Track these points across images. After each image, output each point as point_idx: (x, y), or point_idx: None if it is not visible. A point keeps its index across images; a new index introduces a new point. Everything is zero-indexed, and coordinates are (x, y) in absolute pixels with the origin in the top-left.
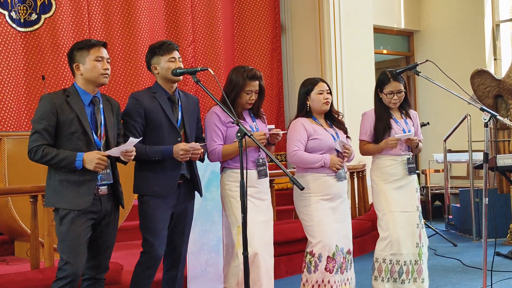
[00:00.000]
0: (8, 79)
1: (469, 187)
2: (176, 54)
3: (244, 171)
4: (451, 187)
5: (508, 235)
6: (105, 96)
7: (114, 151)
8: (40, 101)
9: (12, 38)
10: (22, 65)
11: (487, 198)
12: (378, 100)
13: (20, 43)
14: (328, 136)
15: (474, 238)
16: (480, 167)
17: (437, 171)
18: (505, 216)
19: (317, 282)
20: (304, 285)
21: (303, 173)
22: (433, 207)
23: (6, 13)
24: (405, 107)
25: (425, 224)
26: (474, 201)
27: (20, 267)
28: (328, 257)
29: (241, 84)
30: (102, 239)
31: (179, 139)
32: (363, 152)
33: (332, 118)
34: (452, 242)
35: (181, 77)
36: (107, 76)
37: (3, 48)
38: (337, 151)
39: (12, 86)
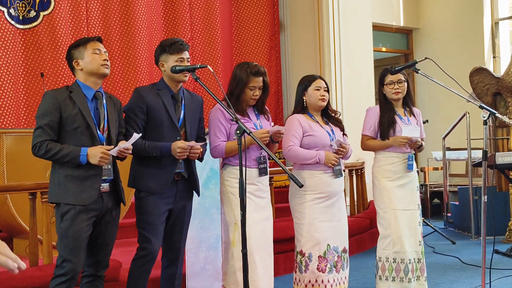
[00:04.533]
0: (7, 76)
1: (468, 185)
2: (185, 54)
3: (244, 168)
4: (450, 185)
5: (507, 233)
6: (107, 94)
7: (115, 151)
8: (44, 97)
9: (11, 35)
10: (21, 62)
11: (486, 196)
12: (382, 97)
13: (19, 40)
14: (323, 133)
15: (472, 236)
16: (479, 165)
17: (436, 168)
18: (503, 214)
19: (310, 281)
20: (296, 284)
21: (299, 170)
22: (432, 204)
23: (5, 10)
24: (408, 104)
25: (424, 222)
26: (473, 199)
27: None
28: (320, 256)
29: (244, 80)
30: (103, 237)
31: (178, 138)
32: (365, 147)
33: (329, 115)
34: (450, 240)
35: (186, 78)
36: (108, 66)
37: (2, 45)
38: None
39: (11, 83)
